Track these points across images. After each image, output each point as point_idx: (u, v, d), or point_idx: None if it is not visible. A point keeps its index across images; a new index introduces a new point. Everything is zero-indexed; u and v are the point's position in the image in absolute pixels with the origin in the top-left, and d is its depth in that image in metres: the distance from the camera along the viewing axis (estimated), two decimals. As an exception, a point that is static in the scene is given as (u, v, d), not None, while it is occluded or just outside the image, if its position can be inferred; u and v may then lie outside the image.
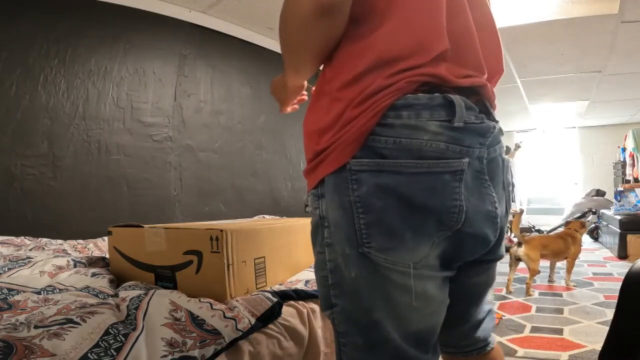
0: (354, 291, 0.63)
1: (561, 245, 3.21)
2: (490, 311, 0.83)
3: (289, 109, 0.95)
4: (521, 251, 3.11)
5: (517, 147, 6.32)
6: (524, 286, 3.08)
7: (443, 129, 0.59)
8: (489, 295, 0.82)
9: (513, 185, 7.45)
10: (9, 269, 1.04)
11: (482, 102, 0.66)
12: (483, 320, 0.80)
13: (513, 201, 7.15)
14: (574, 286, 3.18)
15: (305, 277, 1.10)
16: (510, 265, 3.24)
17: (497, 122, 0.68)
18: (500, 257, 0.77)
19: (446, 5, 0.62)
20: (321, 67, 0.69)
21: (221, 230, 0.87)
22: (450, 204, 0.60)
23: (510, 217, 4.39)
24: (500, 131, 0.69)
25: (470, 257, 0.68)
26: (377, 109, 0.58)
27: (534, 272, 3.05)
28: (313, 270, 1.09)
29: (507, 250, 3.56)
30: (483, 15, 0.71)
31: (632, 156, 6.02)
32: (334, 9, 0.58)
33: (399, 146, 0.58)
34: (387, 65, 0.59)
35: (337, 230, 0.63)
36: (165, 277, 0.98)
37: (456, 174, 0.60)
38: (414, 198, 0.59)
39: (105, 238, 1.61)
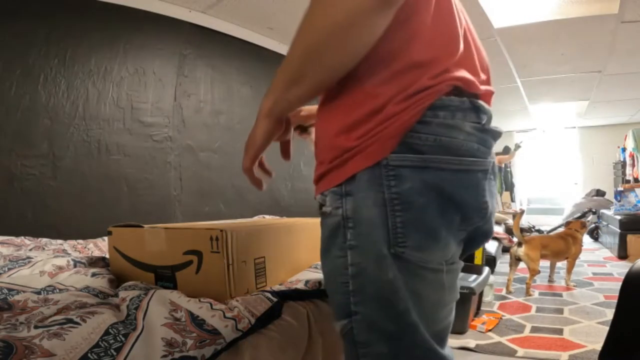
0: (387, 295, 0.60)
1: (562, 245, 3.21)
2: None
3: (256, 167, 0.76)
4: (521, 251, 3.13)
5: (517, 147, 6.33)
6: (524, 286, 3.09)
7: (475, 130, 0.62)
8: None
9: (513, 185, 7.46)
10: (9, 269, 1.04)
11: None
12: None
13: (513, 201, 7.17)
14: (574, 286, 3.18)
15: (305, 277, 1.10)
16: (511, 265, 3.25)
17: None
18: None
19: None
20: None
21: (221, 230, 0.87)
22: (482, 200, 0.64)
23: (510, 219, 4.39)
24: None
25: (473, 251, 0.73)
26: (420, 107, 0.59)
27: (533, 272, 3.06)
28: (313, 270, 1.07)
29: (507, 250, 3.58)
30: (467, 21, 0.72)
31: (632, 156, 6.02)
32: (396, 2, 0.54)
33: (439, 144, 0.59)
34: (427, 66, 0.60)
35: (371, 230, 0.60)
36: (165, 277, 0.97)
37: (485, 173, 0.64)
38: (454, 195, 0.60)
39: (105, 238, 1.60)
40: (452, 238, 0.62)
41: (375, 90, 0.60)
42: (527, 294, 3.00)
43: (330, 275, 0.65)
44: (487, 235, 0.70)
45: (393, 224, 0.59)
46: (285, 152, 0.81)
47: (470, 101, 0.62)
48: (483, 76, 0.68)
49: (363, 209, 0.60)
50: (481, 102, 0.63)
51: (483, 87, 0.65)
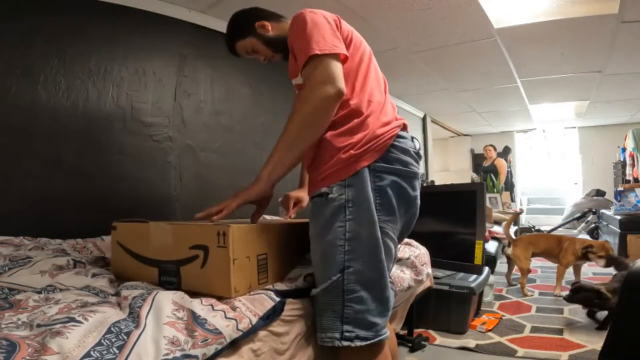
0: (373, 248, 0.93)
1: (552, 242, 3.15)
2: None
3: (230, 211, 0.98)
4: (509, 251, 3.19)
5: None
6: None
7: (413, 152, 1.04)
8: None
9: (513, 185, 7.46)
10: (9, 269, 1.05)
11: None
12: None
13: (513, 201, 7.17)
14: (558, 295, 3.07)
15: (304, 272, 1.11)
16: (508, 264, 3.35)
17: None
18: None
19: None
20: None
21: (228, 226, 0.89)
22: (416, 194, 1.05)
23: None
24: None
25: (406, 235, 1.11)
26: (393, 134, 1.00)
27: (522, 270, 3.10)
28: (311, 265, 1.11)
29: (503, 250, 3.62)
30: None
31: (632, 156, 6.02)
32: (343, 95, 0.93)
33: (400, 159, 1.00)
34: (382, 109, 1.03)
35: (367, 206, 0.93)
36: (169, 272, 0.98)
37: (417, 178, 1.05)
38: (404, 190, 1.01)
39: (105, 238, 1.61)
40: (401, 218, 1.02)
41: (363, 124, 0.98)
42: (523, 293, 3.01)
43: (331, 242, 0.92)
44: (414, 221, 1.09)
45: (375, 204, 0.95)
46: (255, 218, 1.11)
47: (410, 135, 1.07)
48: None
49: (362, 194, 0.93)
50: (414, 136, 1.07)
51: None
